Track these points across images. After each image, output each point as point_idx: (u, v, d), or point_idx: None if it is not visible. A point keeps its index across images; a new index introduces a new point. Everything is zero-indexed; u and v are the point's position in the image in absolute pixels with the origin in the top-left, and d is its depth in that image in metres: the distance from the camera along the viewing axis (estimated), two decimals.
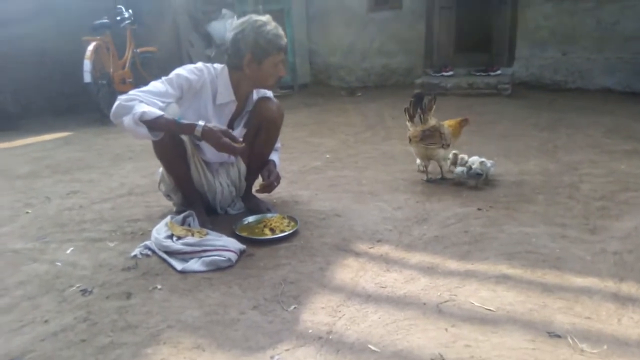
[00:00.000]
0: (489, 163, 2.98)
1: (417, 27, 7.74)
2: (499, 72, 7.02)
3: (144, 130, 2.08)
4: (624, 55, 6.62)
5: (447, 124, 3.13)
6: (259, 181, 2.70)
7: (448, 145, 3.05)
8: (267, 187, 2.61)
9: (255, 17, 2.35)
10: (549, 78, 7.13)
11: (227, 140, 2.15)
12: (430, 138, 2.96)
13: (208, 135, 2.13)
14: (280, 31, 2.37)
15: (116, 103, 2.13)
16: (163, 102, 2.20)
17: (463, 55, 7.94)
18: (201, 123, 2.13)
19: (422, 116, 2.99)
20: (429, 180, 3.18)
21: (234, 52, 2.36)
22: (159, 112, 2.10)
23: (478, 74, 7.08)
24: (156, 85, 2.25)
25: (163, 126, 2.12)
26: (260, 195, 2.83)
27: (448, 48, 7.99)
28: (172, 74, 2.32)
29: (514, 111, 5.64)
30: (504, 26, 7.31)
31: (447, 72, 7.31)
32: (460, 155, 3.20)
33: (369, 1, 8.08)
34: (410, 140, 3.03)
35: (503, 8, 7.32)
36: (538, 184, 3.03)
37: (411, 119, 3.02)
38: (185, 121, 2.15)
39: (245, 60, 2.34)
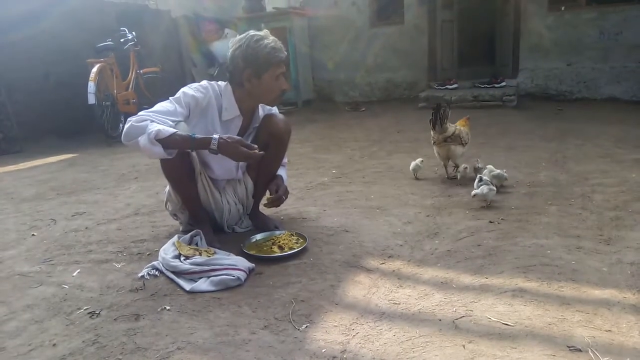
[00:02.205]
0: (488, 187, 2.84)
1: (419, 41, 7.79)
2: (503, 83, 7.03)
3: (159, 149, 2.08)
4: (629, 64, 6.62)
5: (459, 125, 3.54)
6: (267, 197, 2.68)
7: (466, 144, 3.47)
8: (276, 201, 2.59)
9: (252, 32, 2.36)
10: (554, 89, 7.13)
11: (243, 149, 2.16)
12: (452, 142, 3.40)
13: (224, 146, 2.13)
14: (279, 44, 2.37)
15: (127, 125, 2.12)
16: (173, 121, 2.20)
17: (467, 67, 7.99)
18: (215, 136, 2.14)
19: (441, 124, 3.36)
20: (449, 177, 3.47)
21: (234, 69, 2.37)
22: (173, 130, 2.11)
23: (483, 86, 7.08)
24: (164, 105, 2.25)
25: (178, 143, 2.12)
26: (267, 212, 2.80)
27: (451, 61, 8.04)
28: (179, 93, 2.32)
29: (520, 122, 5.62)
30: (507, 38, 7.35)
31: (451, 85, 7.32)
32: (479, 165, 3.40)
33: (371, 17, 8.16)
34: (434, 142, 3.47)
35: (505, 20, 7.36)
36: (549, 195, 2.99)
37: (434, 127, 3.40)
38: (199, 136, 2.15)
39: (245, 75, 2.34)
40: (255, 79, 2.35)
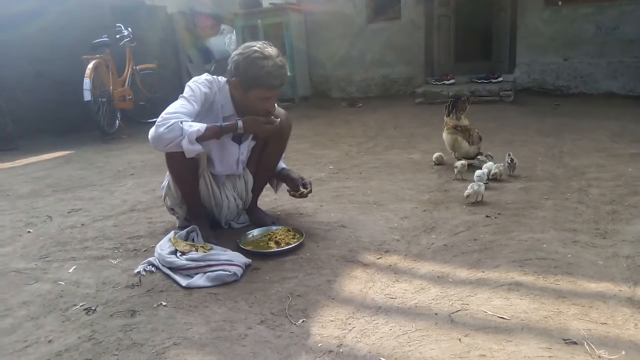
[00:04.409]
0: (478, 184, 2.87)
1: (416, 37, 7.78)
2: (500, 78, 7.03)
3: (198, 147, 2.15)
4: (625, 59, 6.62)
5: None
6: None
7: (473, 143, 3.62)
8: (305, 195, 2.62)
9: (261, 47, 2.27)
10: (551, 84, 7.13)
11: (266, 125, 2.34)
12: (461, 133, 3.62)
13: (249, 126, 2.31)
14: (280, 71, 2.27)
15: (158, 131, 2.10)
16: (192, 119, 2.21)
17: (464, 63, 7.98)
18: (239, 120, 2.29)
19: (456, 114, 3.68)
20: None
21: (229, 71, 2.35)
22: (204, 125, 2.18)
23: (480, 81, 7.08)
24: (181, 104, 2.23)
25: (210, 135, 2.22)
26: (264, 208, 2.81)
27: (448, 56, 8.02)
28: (191, 90, 2.29)
29: (517, 117, 5.63)
30: (504, 33, 7.34)
31: (448, 80, 7.31)
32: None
33: (367, 12, 8.13)
34: (445, 126, 3.71)
35: (502, 15, 7.34)
36: (546, 189, 3.00)
37: (449, 114, 3.70)
38: (226, 123, 2.28)
39: (232, 82, 2.32)
40: (242, 90, 2.31)
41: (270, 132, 2.38)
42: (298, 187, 2.61)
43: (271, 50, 2.29)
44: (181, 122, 2.12)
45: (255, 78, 2.25)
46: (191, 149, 2.13)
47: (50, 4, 6.52)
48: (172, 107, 2.20)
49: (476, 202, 2.83)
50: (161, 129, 2.10)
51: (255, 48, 2.27)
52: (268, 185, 2.84)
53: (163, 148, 2.15)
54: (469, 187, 2.82)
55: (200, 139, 2.15)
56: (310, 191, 2.63)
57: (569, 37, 6.90)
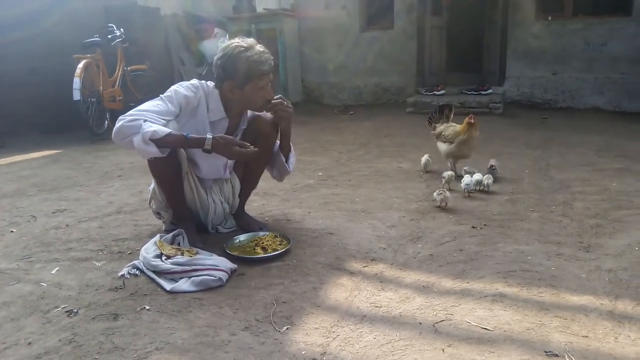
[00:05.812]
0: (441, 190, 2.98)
1: (409, 47, 7.82)
2: (490, 91, 7.08)
3: (153, 148, 2.08)
4: (612, 75, 6.72)
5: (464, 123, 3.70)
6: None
7: (450, 142, 3.65)
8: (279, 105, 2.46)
9: (237, 42, 2.30)
10: (539, 97, 7.21)
11: (237, 148, 2.20)
12: (437, 138, 3.83)
13: (218, 146, 2.17)
14: (264, 56, 2.29)
15: (118, 124, 2.10)
16: (164, 120, 2.19)
17: (454, 74, 8.03)
18: (209, 136, 2.16)
19: (430, 124, 3.98)
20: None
21: (217, 77, 2.35)
22: (167, 130, 2.12)
23: (470, 92, 7.13)
24: (156, 103, 2.23)
25: (172, 143, 2.15)
26: (252, 214, 2.80)
27: (440, 67, 8.07)
28: (170, 92, 2.30)
29: (506, 129, 5.68)
30: (495, 45, 7.41)
31: (438, 91, 7.35)
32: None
33: (361, 21, 8.17)
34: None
35: (493, 27, 7.42)
36: (532, 201, 3.03)
37: (431, 124, 3.97)
38: (193, 135, 2.17)
39: (226, 86, 2.32)
40: (238, 90, 2.32)
41: (239, 157, 2.29)
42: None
43: (249, 40, 2.32)
44: (144, 121, 2.10)
45: (246, 71, 2.26)
46: (143, 149, 2.07)
47: (44, 3, 6.46)
48: (144, 105, 2.21)
49: (443, 207, 2.94)
50: (121, 122, 2.10)
51: (234, 45, 2.29)
52: (256, 189, 2.84)
53: (119, 142, 2.13)
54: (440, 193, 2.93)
55: (160, 143, 2.09)
56: (283, 104, 2.47)
57: (558, 52, 6.99)
